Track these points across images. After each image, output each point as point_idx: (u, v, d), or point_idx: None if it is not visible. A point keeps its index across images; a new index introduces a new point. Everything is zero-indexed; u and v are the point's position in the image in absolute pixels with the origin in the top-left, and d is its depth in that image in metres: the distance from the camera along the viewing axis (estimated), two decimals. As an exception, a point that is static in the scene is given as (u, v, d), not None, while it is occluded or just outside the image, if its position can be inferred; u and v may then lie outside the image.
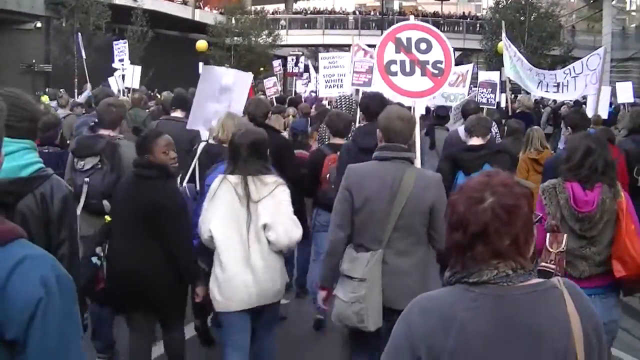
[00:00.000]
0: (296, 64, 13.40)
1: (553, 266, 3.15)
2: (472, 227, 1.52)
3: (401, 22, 4.85)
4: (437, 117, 7.79)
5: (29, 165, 2.49)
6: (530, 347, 1.48)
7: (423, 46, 4.48)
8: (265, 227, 3.53)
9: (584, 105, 11.37)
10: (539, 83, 9.09)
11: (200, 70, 20.54)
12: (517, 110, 10.67)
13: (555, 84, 8.68)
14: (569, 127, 5.96)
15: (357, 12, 47.67)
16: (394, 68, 4.45)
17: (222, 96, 5.79)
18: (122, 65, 13.07)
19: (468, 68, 10.73)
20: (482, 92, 10.09)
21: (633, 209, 3.33)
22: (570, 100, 12.92)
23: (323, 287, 3.59)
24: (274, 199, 3.56)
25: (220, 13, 39.50)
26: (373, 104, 4.83)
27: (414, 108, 4.60)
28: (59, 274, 1.36)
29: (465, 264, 1.55)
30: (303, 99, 12.72)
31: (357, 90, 9.17)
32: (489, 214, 1.51)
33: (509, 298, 1.51)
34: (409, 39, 4.46)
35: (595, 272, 3.26)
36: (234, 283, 3.56)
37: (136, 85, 12.40)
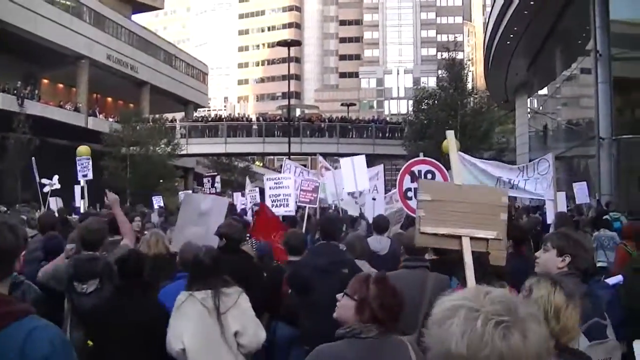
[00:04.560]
0: (212, 185, 14.51)
1: None
2: (363, 303, 2.92)
3: (416, 158, 6.69)
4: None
5: None
6: None
7: (429, 175, 6.29)
8: (236, 334, 4.34)
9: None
10: (497, 181, 9.49)
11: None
12: None
13: (510, 184, 9.35)
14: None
15: (262, 119, 49.01)
16: (410, 194, 6.22)
17: (200, 219, 6.90)
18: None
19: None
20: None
21: None
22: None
23: None
24: (239, 308, 4.38)
25: (116, 121, 40.41)
26: (331, 226, 6.05)
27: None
28: (63, 338, 2.09)
29: (353, 325, 2.86)
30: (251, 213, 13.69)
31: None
32: (378, 299, 2.92)
33: (377, 347, 2.82)
34: (419, 171, 6.28)
35: None
36: None
37: (85, 206, 13.06)
